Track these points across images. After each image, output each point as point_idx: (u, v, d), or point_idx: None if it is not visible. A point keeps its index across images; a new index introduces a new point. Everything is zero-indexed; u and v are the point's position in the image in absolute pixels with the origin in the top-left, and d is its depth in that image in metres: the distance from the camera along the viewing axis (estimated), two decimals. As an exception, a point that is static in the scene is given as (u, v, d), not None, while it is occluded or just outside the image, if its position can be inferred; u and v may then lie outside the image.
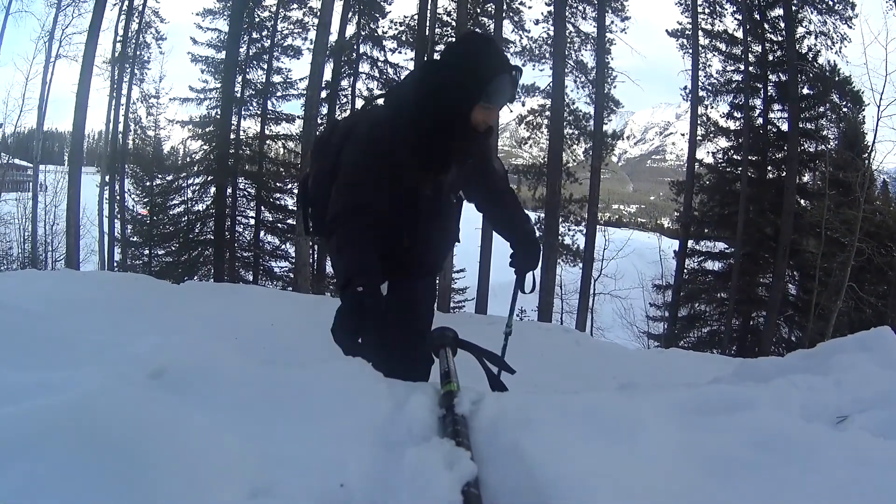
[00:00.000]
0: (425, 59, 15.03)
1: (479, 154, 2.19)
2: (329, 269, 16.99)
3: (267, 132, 17.69)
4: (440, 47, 16.43)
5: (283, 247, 17.59)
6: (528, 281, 2.55)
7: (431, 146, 1.97)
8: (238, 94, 17.08)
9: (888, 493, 1.07)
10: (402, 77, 2.52)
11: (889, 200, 17.06)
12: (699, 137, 17.02)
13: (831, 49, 15.49)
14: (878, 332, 2.41)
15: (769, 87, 16.30)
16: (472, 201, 2.48)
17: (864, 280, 13.77)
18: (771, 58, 16.09)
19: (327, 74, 15.61)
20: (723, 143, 17.28)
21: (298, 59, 17.50)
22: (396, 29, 17.33)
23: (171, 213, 17.90)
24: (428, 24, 15.70)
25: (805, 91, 15.76)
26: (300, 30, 17.42)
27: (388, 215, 2.00)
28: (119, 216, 17.65)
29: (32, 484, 0.81)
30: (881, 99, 12.22)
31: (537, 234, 2.56)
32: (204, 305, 5.54)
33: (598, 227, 16.50)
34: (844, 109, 15.87)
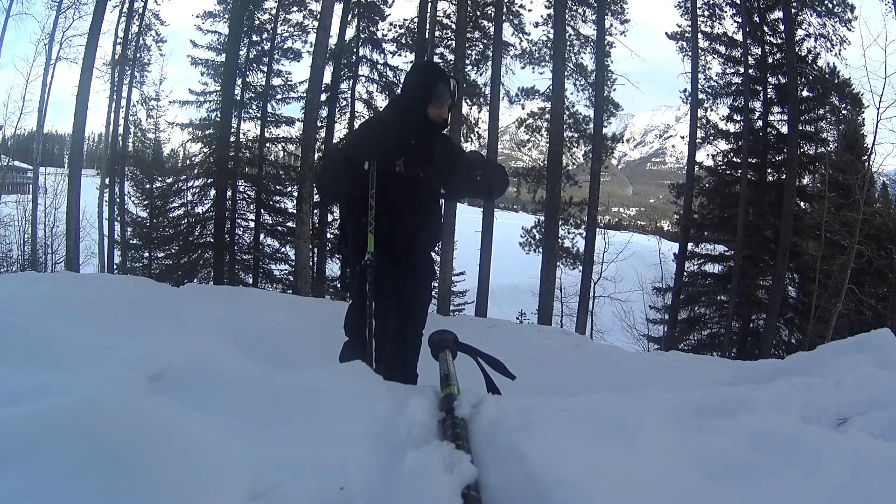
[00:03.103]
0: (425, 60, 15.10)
1: (446, 151, 2.82)
2: (328, 272, 17.06)
3: (267, 135, 17.66)
4: (440, 50, 16.48)
5: (283, 249, 17.55)
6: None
7: (400, 130, 2.68)
8: (238, 97, 17.06)
9: (889, 496, 1.07)
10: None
11: (889, 203, 17.06)
12: (699, 140, 17.01)
13: (831, 51, 15.52)
14: (878, 335, 2.42)
15: (769, 90, 16.31)
16: (452, 190, 3.02)
17: (864, 282, 13.76)
18: (770, 60, 16.10)
19: (327, 77, 15.62)
20: (722, 145, 17.29)
21: (298, 61, 17.51)
22: (396, 32, 17.33)
23: (170, 215, 17.87)
24: (428, 26, 15.72)
25: (805, 93, 15.76)
26: (300, 32, 17.43)
27: (363, 193, 2.63)
28: (119, 219, 17.62)
29: (32, 486, 0.81)
30: (881, 101, 12.23)
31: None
32: (203, 308, 5.53)
33: (597, 229, 16.48)
34: (844, 112, 15.87)
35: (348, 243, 2.84)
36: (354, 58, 17.38)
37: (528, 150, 17.84)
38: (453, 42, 15.59)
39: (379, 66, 17.53)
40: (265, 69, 17.40)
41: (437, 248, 3.48)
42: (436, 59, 15.88)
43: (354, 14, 17.19)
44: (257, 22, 17.32)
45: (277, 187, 17.90)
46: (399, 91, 3.04)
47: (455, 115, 2.87)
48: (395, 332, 2.73)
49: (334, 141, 16.79)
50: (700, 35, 16.68)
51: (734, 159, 16.98)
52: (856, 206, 12.19)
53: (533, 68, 16.97)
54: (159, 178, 17.84)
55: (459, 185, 2.81)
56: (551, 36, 15.75)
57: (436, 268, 3.15)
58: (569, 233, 16.93)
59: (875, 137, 12.64)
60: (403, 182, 2.68)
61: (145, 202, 17.67)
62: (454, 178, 2.77)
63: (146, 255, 17.69)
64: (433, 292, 13.54)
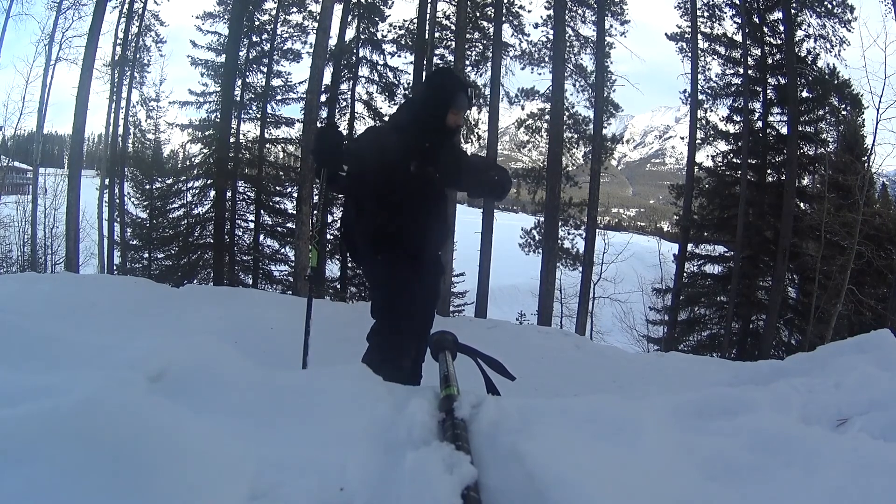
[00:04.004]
0: (424, 63, 15.13)
1: (453, 153, 2.94)
2: (328, 273, 17.05)
3: (266, 136, 17.65)
4: (440, 51, 16.49)
5: (283, 250, 17.54)
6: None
7: (417, 133, 2.82)
8: (238, 98, 17.04)
9: (889, 496, 1.07)
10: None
11: (889, 203, 17.06)
12: (699, 141, 17.00)
13: (830, 52, 15.53)
14: (878, 335, 2.41)
15: (768, 91, 16.30)
16: (471, 189, 3.09)
17: (863, 283, 13.77)
18: (770, 61, 16.10)
19: (327, 78, 15.60)
20: (722, 146, 17.28)
21: (298, 62, 17.50)
22: (396, 33, 17.31)
23: (170, 216, 17.86)
24: (427, 27, 15.71)
25: (804, 94, 15.77)
26: (300, 33, 17.44)
27: (380, 191, 2.78)
28: (119, 219, 17.62)
29: (32, 486, 0.81)
30: (880, 102, 12.24)
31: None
32: (203, 309, 5.53)
33: (597, 230, 16.47)
34: (844, 112, 15.88)
35: (356, 244, 2.97)
36: (354, 59, 17.37)
37: (528, 150, 17.86)
38: (453, 43, 15.60)
39: (379, 67, 17.53)
40: (265, 70, 17.40)
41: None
42: (435, 59, 15.90)
43: (354, 15, 17.19)
44: (257, 23, 17.31)
45: (277, 188, 17.89)
46: (416, 96, 3.24)
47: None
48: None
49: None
50: (700, 36, 16.69)
51: (734, 160, 16.97)
52: (855, 207, 12.20)
53: (533, 69, 16.99)
54: (159, 179, 17.83)
55: (476, 184, 2.94)
56: (551, 37, 15.76)
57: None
58: (568, 234, 16.92)
59: (875, 138, 12.65)
60: (418, 182, 2.81)
61: (145, 203, 17.66)
62: (470, 178, 2.90)
63: (146, 255, 17.67)
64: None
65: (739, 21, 16.33)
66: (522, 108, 17.34)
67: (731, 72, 16.98)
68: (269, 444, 1.14)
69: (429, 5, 15.72)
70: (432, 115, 2.84)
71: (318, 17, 12.90)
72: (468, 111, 2.93)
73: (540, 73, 16.91)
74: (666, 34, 17.32)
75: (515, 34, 16.94)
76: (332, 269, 17.33)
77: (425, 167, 2.82)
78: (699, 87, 16.78)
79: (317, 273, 2.68)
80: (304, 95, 14.08)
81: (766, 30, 16.09)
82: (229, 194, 16.93)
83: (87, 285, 6.01)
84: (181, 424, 1.00)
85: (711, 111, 17.32)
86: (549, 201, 14.80)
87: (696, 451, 1.25)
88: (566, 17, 15.41)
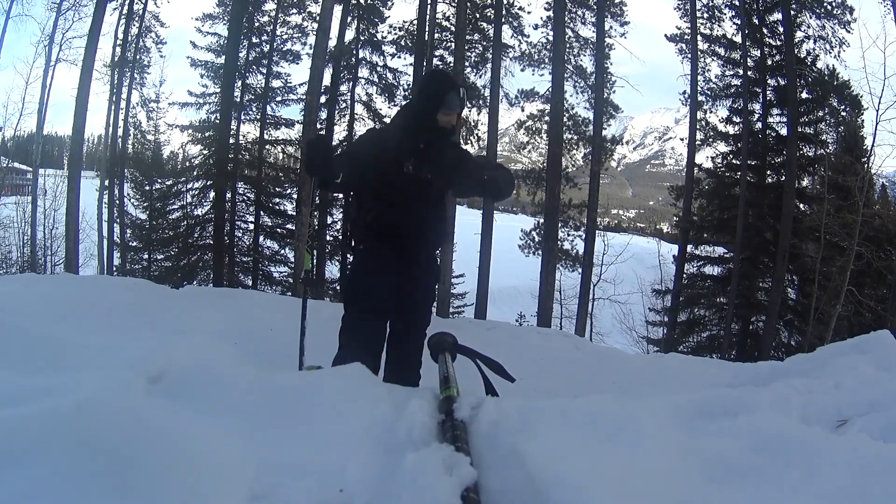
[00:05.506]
0: (424, 64, 15.15)
1: (452, 156, 2.96)
2: (328, 274, 17.06)
3: (266, 137, 17.66)
4: (439, 52, 16.50)
5: (283, 252, 17.54)
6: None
7: (411, 134, 2.88)
8: (237, 99, 17.06)
9: (889, 497, 1.07)
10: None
11: (888, 204, 17.09)
12: (698, 142, 17.02)
13: (830, 53, 15.55)
14: (878, 336, 2.41)
15: (768, 92, 16.32)
16: (460, 189, 3.15)
17: (863, 284, 13.78)
18: (770, 62, 16.12)
19: (326, 79, 15.61)
20: (722, 147, 17.32)
21: (298, 63, 17.49)
22: (396, 34, 17.34)
23: (170, 217, 17.87)
24: (427, 28, 15.74)
25: (804, 95, 15.78)
26: (299, 35, 17.44)
27: (377, 190, 2.85)
28: (118, 220, 17.63)
29: (31, 488, 0.81)
30: (880, 103, 12.28)
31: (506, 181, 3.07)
32: (203, 310, 5.53)
33: (597, 231, 16.47)
34: (843, 113, 15.92)
35: (349, 239, 3.02)
36: (354, 60, 17.38)
37: (528, 152, 17.89)
38: (452, 44, 15.61)
39: (378, 69, 17.55)
40: (265, 71, 17.41)
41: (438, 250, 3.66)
42: (435, 61, 15.94)
43: (354, 16, 17.20)
44: (257, 24, 17.33)
45: (277, 189, 17.90)
46: (412, 98, 3.32)
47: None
48: (400, 331, 2.92)
49: (334, 143, 16.79)
50: (699, 37, 16.71)
51: (733, 161, 16.99)
52: (855, 208, 12.22)
53: (532, 70, 17.02)
54: (159, 180, 17.84)
55: (468, 185, 2.99)
56: (551, 38, 15.77)
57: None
58: (568, 235, 16.92)
59: (874, 139, 12.71)
60: (412, 182, 2.85)
61: (145, 204, 17.67)
62: (463, 179, 2.94)
63: (146, 256, 17.69)
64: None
65: (739, 22, 16.36)
66: (522, 110, 17.39)
67: (731, 73, 17.01)
68: (269, 446, 1.14)
69: (429, 6, 15.75)
70: (424, 115, 2.89)
71: (317, 18, 12.92)
72: (462, 111, 2.96)
73: (540, 75, 16.99)
74: (665, 35, 17.39)
75: (515, 35, 16.97)
76: (332, 270, 17.33)
77: (420, 167, 2.86)
78: (699, 88, 16.82)
79: (311, 276, 2.67)
80: (304, 97, 14.09)
81: (765, 31, 16.11)
82: (229, 195, 16.93)
83: (87, 286, 6.00)
84: (181, 426, 1.00)
85: (711, 112, 17.39)
86: (549, 202, 14.81)
87: (697, 452, 1.25)
88: (566, 19, 15.43)
